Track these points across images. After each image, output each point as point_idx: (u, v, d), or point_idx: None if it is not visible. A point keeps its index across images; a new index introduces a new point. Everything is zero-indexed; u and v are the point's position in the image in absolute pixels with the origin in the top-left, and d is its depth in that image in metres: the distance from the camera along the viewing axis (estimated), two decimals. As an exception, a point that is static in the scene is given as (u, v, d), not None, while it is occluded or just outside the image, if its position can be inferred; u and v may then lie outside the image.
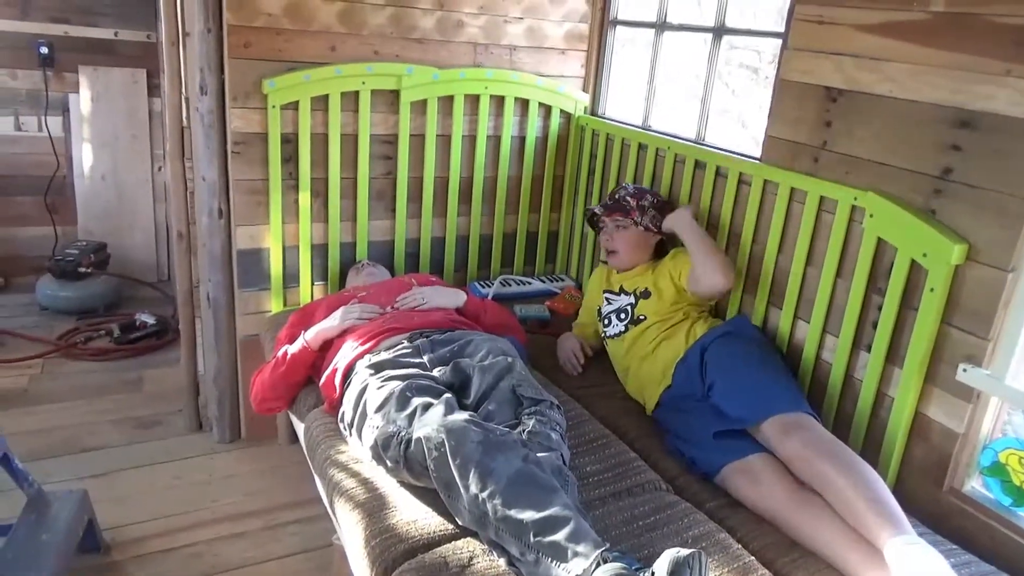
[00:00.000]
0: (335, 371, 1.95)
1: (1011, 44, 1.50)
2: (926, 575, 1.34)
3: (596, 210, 2.36)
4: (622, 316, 2.22)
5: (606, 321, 2.28)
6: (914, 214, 1.69)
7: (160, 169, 3.92)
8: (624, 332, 2.19)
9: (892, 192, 1.75)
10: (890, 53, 1.74)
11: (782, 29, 2.03)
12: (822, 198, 1.92)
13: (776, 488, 1.64)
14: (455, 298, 2.24)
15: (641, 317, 2.17)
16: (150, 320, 3.41)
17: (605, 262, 2.40)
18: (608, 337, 2.26)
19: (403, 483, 1.63)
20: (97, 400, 2.90)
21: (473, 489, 1.40)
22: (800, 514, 1.59)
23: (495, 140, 2.78)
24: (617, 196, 2.32)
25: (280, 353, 2.08)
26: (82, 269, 3.57)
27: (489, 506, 1.38)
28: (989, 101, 1.55)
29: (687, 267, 2.11)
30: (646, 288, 2.21)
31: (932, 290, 1.65)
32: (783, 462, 1.68)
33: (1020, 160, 1.50)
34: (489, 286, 2.78)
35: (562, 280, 2.95)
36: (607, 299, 2.31)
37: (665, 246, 2.33)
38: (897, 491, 1.76)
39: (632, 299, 2.22)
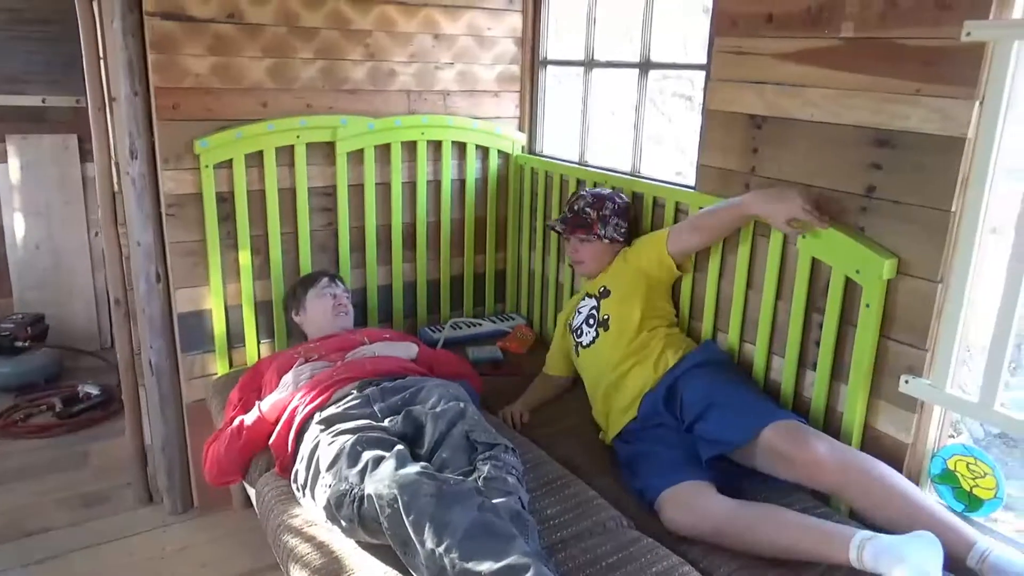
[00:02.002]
0: (287, 428, 1.91)
1: (918, 65, 1.56)
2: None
3: (557, 228, 2.31)
4: (591, 321, 2.21)
5: (578, 333, 2.25)
6: (844, 232, 1.73)
7: (97, 235, 3.83)
8: (596, 338, 2.17)
9: (829, 217, 1.79)
10: (808, 79, 1.80)
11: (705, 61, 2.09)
12: (756, 222, 1.96)
13: (712, 507, 1.65)
14: (406, 351, 2.22)
15: (606, 317, 2.16)
16: (94, 391, 3.30)
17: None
18: (583, 348, 2.22)
19: (360, 543, 1.59)
20: (40, 480, 2.77)
21: (429, 544, 1.37)
22: (745, 518, 1.61)
23: (435, 185, 2.79)
24: (576, 208, 2.27)
25: (236, 424, 2.01)
26: (19, 343, 3.44)
27: (447, 560, 1.34)
28: (904, 120, 1.60)
29: (649, 246, 2.14)
30: (604, 287, 2.21)
31: (868, 306, 1.69)
32: (798, 467, 1.65)
33: (937, 174, 1.56)
34: (440, 331, 2.76)
35: (513, 319, 2.95)
36: (578, 311, 2.30)
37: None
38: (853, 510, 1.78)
39: (595, 301, 2.22)
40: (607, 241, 2.23)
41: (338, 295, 2.40)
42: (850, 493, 1.61)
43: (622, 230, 2.24)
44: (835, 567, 1.50)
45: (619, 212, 2.26)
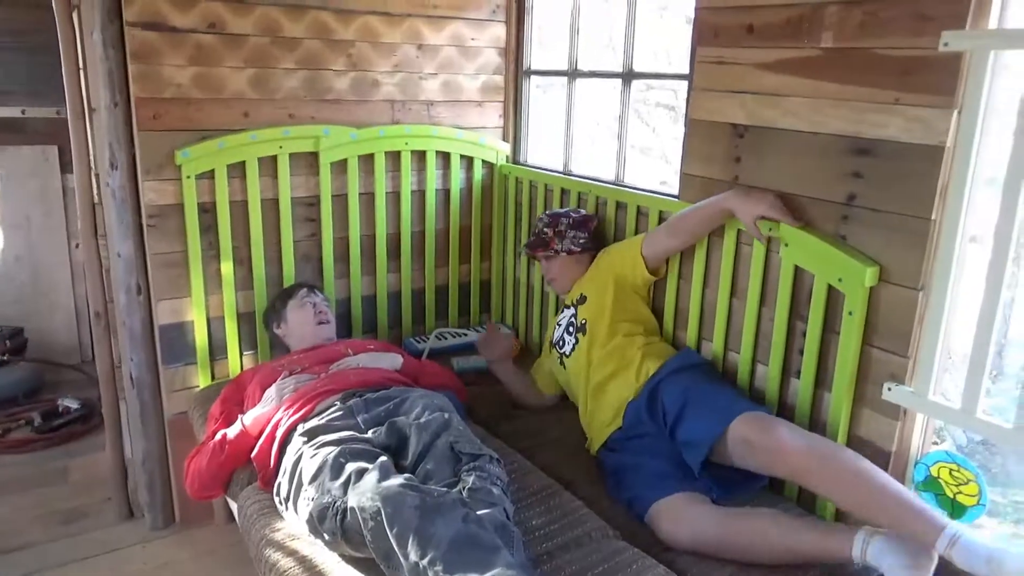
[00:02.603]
0: (270, 440, 1.89)
1: (896, 75, 1.58)
2: (998, 552, 1.38)
3: (525, 252, 2.41)
4: (570, 329, 2.24)
5: (560, 344, 2.27)
6: (826, 241, 1.74)
7: (77, 247, 3.79)
8: (576, 344, 2.19)
9: (804, 221, 1.81)
10: (789, 88, 1.81)
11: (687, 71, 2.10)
12: (739, 231, 1.96)
13: (703, 516, 1.66)
14: (391, 362, 2.20)
15: (583, 322, 2.18)
16: (74, 405, 3.26)
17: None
18: (567, 358, 2.24)
19: (343, 556, 1.57)
20: (19, 496, 2.73)
21: (413, 557, 1.35)
22: (742, 523, 1.63)
23: (419, 194, 2.78)
24: (535, 231, 2.38)
25: (218, 438, 1.99)
26: (-3, 357, 3.40)
27: (431, 573, 1.33)
28: (883, 129, 1.62)
29: (624, 248, 2.18)
30: (580, 294, 2.25)
31: (851, 313, 1.70)
32: (764, 454, 1.65)
33: (916, 182, 1.57)
34: (425, 341, 2.75)
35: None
36: (558, 324, 2.33)
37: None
38: (840, 512, 1.79)
39: (573, 309, 2.25)
40: (566, 254, 2.31)
41: (318, 304, 2.39)
42: (816, 478, 1.61)
43: (580, 240, 2.32)
44: (833, 568, 1.50)
45: (575, 225, 2.33)
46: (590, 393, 2.11)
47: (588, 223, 2.35)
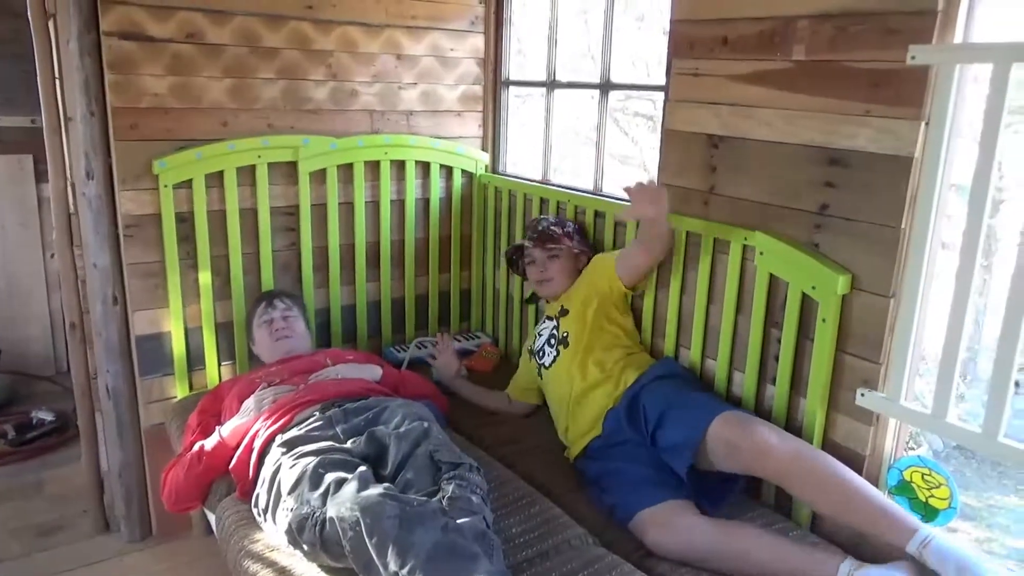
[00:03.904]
0: (248, 451, 1.88)
1: (867, 87, 1.61)
2: (970, 562, 1.40)
3: (525, 244, 2.36)
4: (551, 341, 2.24)
5: (540, 354, 2.28)
6: (800, 249, 1.77)
7: (53, 257, 3.75)
8: (557, 356, 2.19)
9: (778, 230, 1.84)
10: (762, 100, 1.84)
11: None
12: (716, 239, 1.99)
13: (695, 527, 1.67)
14: (371, 373, 2.20)
15: (565, 334, 2.19)
16: (48, 417, 3.22)
17: (529, 301, 2.53)
18: (546, 369, 2.24)
19: (323, 567, 1.56)
20: (-8, 509, 2.70)
21: (392, 567, 1.35)
22: (732, 537, 1.64)
23: (399, 204, 2.79)
24: (540, 228, 2.35)
25: (195, 449, 1.97)
26: (-30, 369, 3.35)
27: (411, 583, 1.33)
28: (853, 139, 1.65)
29: (602, 264, 2.20)
30: (562, 306, 2.25)
31: (824, 320, 1.73)
32: (746, 455, 1.66)
33: (886, 192, 1.61)
34: (405, 350, 2.75)
35: (478, 337, 2.95)
36: (538, 333, 2.33)
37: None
38: (815, 519, 1.81)
39: (554, 321, 2.26)
40: (576, 252, 2.32)
41: (274, 319, 2.32)
42: (797, 481, 1.63)
43: (586, 244, 2.35)
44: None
45: (578, 231, 2.37)
46: (571, 403, 2.12)
47: (586, 234, 2.39)
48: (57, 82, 2.28)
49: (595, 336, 2.15)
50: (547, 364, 2.24)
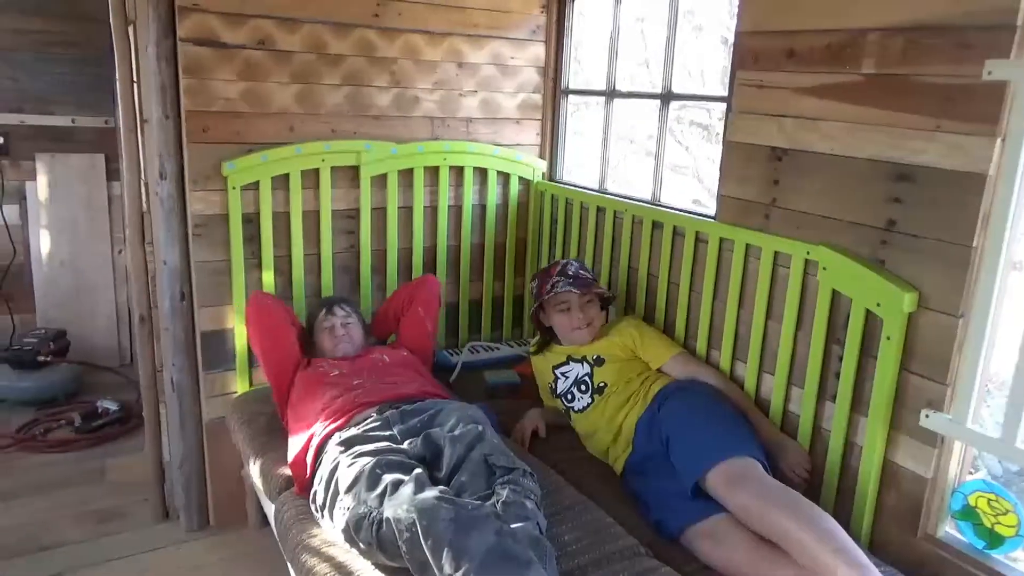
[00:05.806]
0: (306, 449, 1.92)
1: (938, 101, 1.58)
2: None
3: (573, 289, 2.25)
4: (583, 387, 2.22)
5: (568, 397, 2.26)
6: (864, 265, 1.74)
7: (120, 252, 3.89)
8: (591, 403, 2.19)
9: (842, 245, 1.81)
10: (828, 113, 1.82)
11: (726, 93, 2.12)
12: (776, 253, 1.97)
13: (738, 547, 1.65)
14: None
15: (602, 385, 2.18)
16: (112, 406, 3.33)
17: (536, 351, 2.42)
18: (576, 413, 2.24)
19: (378, 565, 1.59)
20: (57, 494, 2.80)
21: (448, 569, 1.38)
22: (760, 567, 1.61)
23: (456, 209, 2.82)
24: (571, 272, 2.30)
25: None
26: (41, 358, 3.48)
27: (465, 585, 1.35)
28: (922, 155, 1.62)
29: (651, 347, 2.22)
30: (598, 355, 2.23)
31: (888, 338, 1.69)
32: (733, 511, 1.69)
33: (955, 209, 1.57)
34: (458, 354, 2.78)
35: (530, 344, 2.95)
36: (561, 375, 2.29)
37: None
38: (873, 539, 1.78)
39: (588, 368, 2.23)
40: (607, 299, 2.36)
41: (335, 326, 2.34)
42: (777, 541, 1.60)
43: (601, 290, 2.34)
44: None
45: (593, 277, 2.37)
46: (609, 435, 2.12)
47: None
48: (135, 86, 2.37)
49: (631, 380, 2.17)
50: (577, 408, 2.23)
